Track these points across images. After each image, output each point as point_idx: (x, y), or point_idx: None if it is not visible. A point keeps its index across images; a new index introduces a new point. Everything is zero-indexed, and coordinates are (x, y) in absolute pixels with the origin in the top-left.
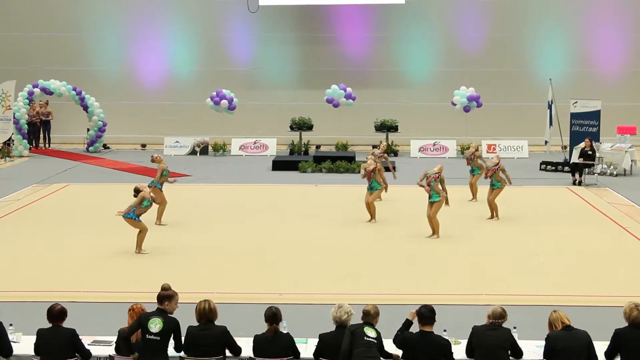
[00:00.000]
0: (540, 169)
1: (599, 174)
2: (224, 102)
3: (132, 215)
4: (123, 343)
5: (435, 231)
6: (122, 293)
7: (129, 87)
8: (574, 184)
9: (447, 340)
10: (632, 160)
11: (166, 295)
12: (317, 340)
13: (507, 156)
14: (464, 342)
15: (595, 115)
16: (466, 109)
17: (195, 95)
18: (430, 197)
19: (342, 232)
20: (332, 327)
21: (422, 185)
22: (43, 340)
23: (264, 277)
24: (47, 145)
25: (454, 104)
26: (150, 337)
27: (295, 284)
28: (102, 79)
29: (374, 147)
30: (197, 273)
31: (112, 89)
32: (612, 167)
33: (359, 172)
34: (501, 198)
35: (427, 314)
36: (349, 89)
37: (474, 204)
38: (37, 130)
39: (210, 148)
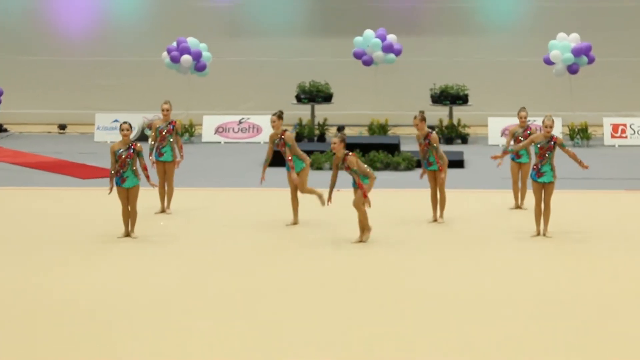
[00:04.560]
0: None
1: None
2: (187, 58)
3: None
4: None
5: None
6: None
7: (39, 35)
8: None
9: None
10: None
11: None
12: None
13: None
14: None
15: None
16: (572, 69)
17: (145, 47)
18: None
19: (375, 264)
20: None
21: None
22: None
23: (256, 340)
24: None
25: (551, 62)
26: None
27: (304, 349)
28: None
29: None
30: (155, 334)
31: (11, 38)
32: None
33: (406, 167)
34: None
35: None
36: (390, 37)
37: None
38: None
39: None
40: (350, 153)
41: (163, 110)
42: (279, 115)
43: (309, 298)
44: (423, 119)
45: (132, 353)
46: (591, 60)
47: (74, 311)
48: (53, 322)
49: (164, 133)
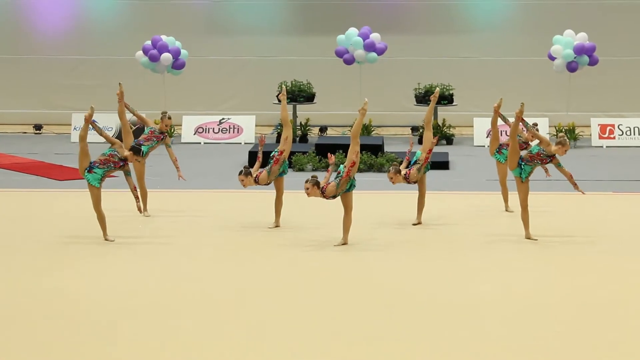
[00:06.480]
0: None
1: None
2: (166, 56)
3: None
4: None
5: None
6: None
7: (13, 33)
8: None
9: None
10: None
11: None
12: None
13: (634, 144)
14: None
15: None
16: (571, 67)
17: (121, 45)
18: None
19: (360, 267)
20: None
21: None
22: None
23: (244, 342)
24: None
25: (553, 58)
26: None
27: (294, 351)
28: None
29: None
30: (142, 335)
31: None
32: None
33: (389, 169)
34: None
35: None
36: (373, 36)
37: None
38: None
39: None
40: (324, 186)
41: (167, 125)
42: (246, 173)
43: (295, 301)
44: (398, 172)
45: (120, 353)
46: (594, 62)
47: (59, 314)
48: (38, 324)
49: (152, 136)
